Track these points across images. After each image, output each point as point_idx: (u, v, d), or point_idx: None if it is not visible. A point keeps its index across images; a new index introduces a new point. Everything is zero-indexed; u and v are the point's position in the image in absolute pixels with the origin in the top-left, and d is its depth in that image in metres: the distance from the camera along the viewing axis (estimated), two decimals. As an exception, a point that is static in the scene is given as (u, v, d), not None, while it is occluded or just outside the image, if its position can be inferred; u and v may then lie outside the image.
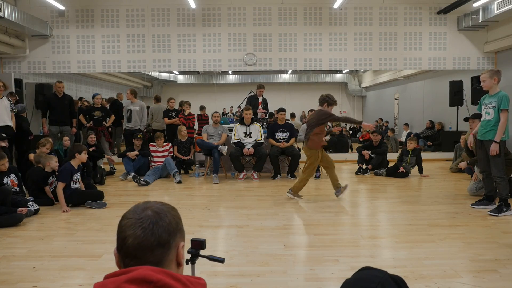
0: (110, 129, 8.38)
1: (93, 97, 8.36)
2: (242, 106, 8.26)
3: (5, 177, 4.67)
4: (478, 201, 4.86)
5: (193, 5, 8.34)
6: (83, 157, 5.09)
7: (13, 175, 4.78)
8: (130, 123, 7.78)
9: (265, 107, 8.12)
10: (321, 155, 5.19)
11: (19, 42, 8.38)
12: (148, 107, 8.77)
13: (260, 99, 8.01)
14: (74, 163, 5.04)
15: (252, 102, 7.87)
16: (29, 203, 4.62)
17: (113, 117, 8.06)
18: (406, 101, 14.71)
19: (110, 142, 8.30)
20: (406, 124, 13.56)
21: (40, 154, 5.50)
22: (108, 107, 8.59)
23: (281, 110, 7.37)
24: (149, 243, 0.98)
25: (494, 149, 4.38)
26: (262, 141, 7.06)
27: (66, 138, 6.92)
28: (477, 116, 5.14)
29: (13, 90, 7.75)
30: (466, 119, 6.45)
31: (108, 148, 7.97)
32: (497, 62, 8.90)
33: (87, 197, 5.03)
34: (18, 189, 4.77)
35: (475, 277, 2.77)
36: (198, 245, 1.84)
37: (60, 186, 4.88)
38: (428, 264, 3.02)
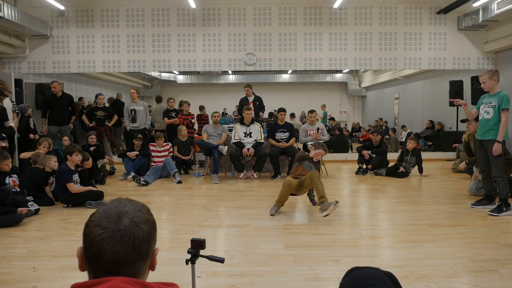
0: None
1: (96, 97, 8.37)
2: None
3: (7, 177, 4.68)
4: (478, 201, 4.86)
5: (193, 5, 8.34)
6: (75, 158, 5.08)
7: (15, 176, 4.79)
8: (135, 123, 7.77)
9: (259, 105, 8.02)
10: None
11: (19, 42, 8.38)
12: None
13: (250, 99, 7.93)
14: (69, 164, 5.06)
15: (243, 104, 7.73)
16: (29, 203, 4.62)
17: (115, 117, 8.04)
18: (406, 101, 14.71)
19: (113, 142, 8.30)
20: (404, 126, 13.57)
21: (38, 154, 5.50)
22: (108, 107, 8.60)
23: (281, 110, 7.37)
24: (130, 258, 0.91)
25: (496, 149, 4.37)
26: (262, 141, 7.06)
27: (65, 138, 6.92)
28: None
29: (13, 90, 7.74)
30: (463, 121, 6.49)
31: (109, 148, 7.96)
32: (497, 62, 8.90)
33: (87, 197, 5.03)
34: (19, 189, 4.77)
35: (475, 277, 2.77)
36: (198, 245, 1.85)
37: (70, 186, 4.96)
38: (428, 264, 3.02)
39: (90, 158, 5.72)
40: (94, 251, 0.91)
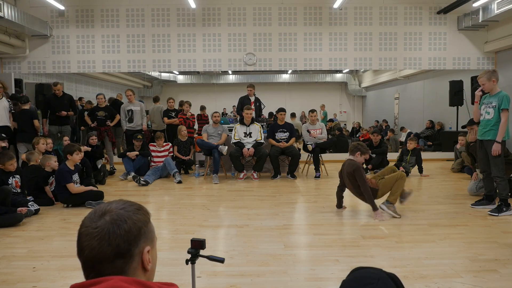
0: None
1: (96, 96, 8.36)
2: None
3: (11, 177, 4.67)
4: (478, 201, 4.86)
5: (193, 5, 8.34)
6: (75, 157, 5.09)
7: (18, 176, 4.78)
8: (132, 123, 7.77)
9: (259, 106, 8.04)
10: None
11: (19, 42, 8.38)
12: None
13: (252, 99, 7.93)
14: (69, 164, 5.06)
15: (244, 103, 7.73)
16: (29, 203, 4.62)
17: (118, 116, 8.01)
18: (406, 101, 14.72)
19: (114, 142, 8.28)
20: (403, 128, 13.57)
21: (31, 152, 5.50)
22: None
23: (281, 110, 7.37)
24: (105, 255, 0.91)
25: (496, 149, 4.37)
26: (262, 141, 7.06)
27: (66, 138, 6.92)
28: (474, 122, 5.14)
29: (13, 90, 7.75)
30: (464, 127, 6.51)
31: (111, 148, 7.95)
32: (497, 62, 8.90)
33: (87, 197, 5.03)
34: (19, 190, 4.76)
35: (475, 277, 2.77)
36: (198, 245, 1.85)
37: (70, 186, 4.96)
38: (428, 264, 3.02)
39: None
40: (77, 249, 0.95)
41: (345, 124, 17.39)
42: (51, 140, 6.24)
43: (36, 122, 6.70)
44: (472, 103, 8.33)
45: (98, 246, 0.91)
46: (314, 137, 7.30)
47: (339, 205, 4.83)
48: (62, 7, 8.28)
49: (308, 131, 7.37)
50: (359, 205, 5.12)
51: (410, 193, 4.60)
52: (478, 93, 4.67)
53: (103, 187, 6.27)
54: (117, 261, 0.92)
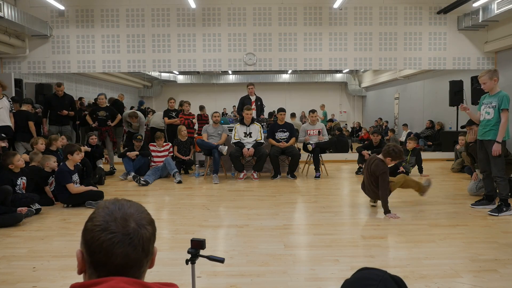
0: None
1: (97, 97, 8.36)
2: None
3: (19, 179, 4.66)
4: (478, 201, 4.86)
5: (193, 5, 8.34)
6: (76, 157, 5.09)
7: (25, 178, 4.77)
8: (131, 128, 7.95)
9: (260, 106, 8.04)
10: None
11: (19, 42, 8.38)
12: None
13: (253, 98, 7.92)
14: (69, 164, 5.06)
15: (245, 103, 7.70)
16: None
17: (119, 116, 8.01)
18: (406, 101, 14.72)
19: (115, 142, 8.28)
20: (405, 125, 13.57)
21: (35, 152, 5.50)
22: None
23: (281, 110, 7.36)
24: (140, 260, 0.92)
25: (496, 149, 4.36)
26: (262, 141, 7.06)
27: (62, 137, 6.87)
28: (473, 122, 5.13)
29: (13, 90, 7.74)
30: (463, 127, 6.50)
31: (111, 148, 7.95)
32: (497, 62, 8.90)
33: (87, 197, 5.03)
34: (24, 191, 4.75)
35: (475, 277, 2.77)
36: (198, 245, 1.85)
37: (70, 186, 4.96)
38: (428, 264, 3.02)
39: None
40: (103, 256, 0.89)
41: (345, 124, 17.39)
42: (47, 139, 6.19)
43: (31, 124, 6.59)
44: (472, 103, 8.35)
45: (134, 253, 0.90)
46: (319, 139, 7.22)
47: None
48: (62, 7, 8.28)
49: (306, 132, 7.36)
50: (359, 205, 5.12)
51: (429, 184, 4.93)
52: (461, 109, 4.71)
53: (103, 187, 6.27)
54: (145, 265, 0.94)
